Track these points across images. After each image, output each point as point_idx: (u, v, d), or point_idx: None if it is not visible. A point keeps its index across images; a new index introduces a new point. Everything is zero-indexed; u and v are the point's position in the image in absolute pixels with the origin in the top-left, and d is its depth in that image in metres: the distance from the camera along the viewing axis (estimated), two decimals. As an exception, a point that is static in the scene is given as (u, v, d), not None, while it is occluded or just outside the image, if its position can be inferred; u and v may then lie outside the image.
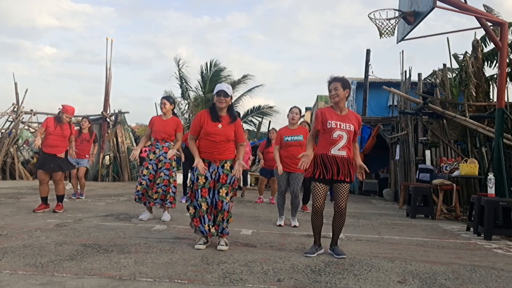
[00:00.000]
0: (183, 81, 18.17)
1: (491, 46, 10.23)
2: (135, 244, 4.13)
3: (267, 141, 9.10)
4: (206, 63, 18.46)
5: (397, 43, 7.66)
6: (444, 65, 10.70)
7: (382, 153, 13.42)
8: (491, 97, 10.16)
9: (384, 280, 3.22)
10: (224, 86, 4.20)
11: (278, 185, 5.94)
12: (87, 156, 8.29)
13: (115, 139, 15.54)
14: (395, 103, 13.25)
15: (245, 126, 18.33)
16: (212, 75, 18.12)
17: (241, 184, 10.27)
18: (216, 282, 2.99)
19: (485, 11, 8.29)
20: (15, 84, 15.43)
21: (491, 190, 6.02)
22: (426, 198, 7.82)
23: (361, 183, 14.40)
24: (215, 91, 4.24)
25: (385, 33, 7.19)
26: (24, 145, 15.38)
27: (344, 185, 3.94)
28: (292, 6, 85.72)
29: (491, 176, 6.11)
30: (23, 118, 15.38)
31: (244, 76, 18.74)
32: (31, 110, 15.69)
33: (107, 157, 15.41)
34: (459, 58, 11.16)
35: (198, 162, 4.08)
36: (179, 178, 8.12)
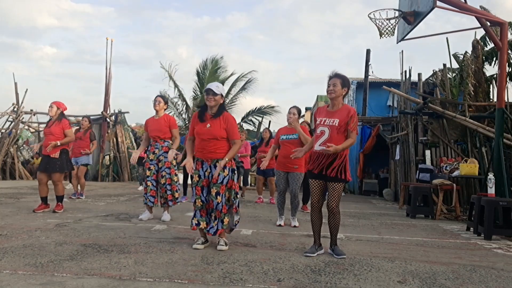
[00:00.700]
0: (175, 84, 18.14)
1: (491, 45, 10.24)
2: (135, 244, 4.14)
3: (261, 140, 9.18)
4: (203, 62, 18.45)
5: (397, 43, 7.66)
6: (444, 65, 10.70)
7: (382, 153, 13.41)
8: (491, 97, 10.17)
9: (384, 280, 3.22)
10: (213, 85, 4.21)
11: (277, 184, 5.96)
12: (82, 152, 8.21)
13: (115, 139, 15.53)
14: (395, 104, 13.24)
15: (245, 126, 18.32)
16: (209, 74, 18.10)
17: (241, 184, 10.27)
18: (216, 282, 2.99)
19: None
20: (15, 84, 15.44)
21: (491, 190, 6.02)
22: (426, 198, 7.82)
23: (361, 183, 14.41)
24: (204, 90, 4.29)
25: (385, 33, 7.19)
26: (24, 145, 15.39)
27: (335, 184, 3.92)
28: (292, 6, 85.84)
29: (491, 176, 6.11)
30: (23, 118, 15.37)
31: (243, 75, 18.72)
32: (31, 110, 15.68)
33: (107, 157, 15.40)
34: (459, 58, 11.17)
35: (187, 161, 4.15)
36: (179, 178, 8.13)
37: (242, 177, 9.37)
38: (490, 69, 10.70)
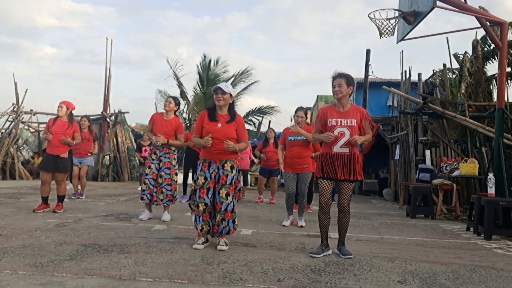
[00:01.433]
0: (180, 83, 18.21)
1: (491, 45, 10.23)
2: (135, 244, 4.13)
3: (265, 140, 9.11)
4: (201, 62, 18.50)
5: (397, 43, 7.66)
6: (444, 65, 10.70)
7: (382, 153, 13.41)
8: (493, 97, 10.16)
9: (384, 280, 3.22)
10: (222, 84, 4.25)
11: (286, 187, 5.88)
12: (89, 154, 8.35)
13: (115, 139, 15.52)
14: (395, 104, 13.23)
15: (245, 126, 18.33)
16: (210, 73, 18.12)
17: (241, 184, 10.26)
18: (216, 282, 2.99)
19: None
20: (15, 84, 15.43)
21: (491, 190, 6.02)
22: (426, 198, 7.82)
23: (361, 183, 14.41)
24: (212, 89, 4.30)
25: (385, 33, 7.19)
26: (24, 145, 15.38)
27: (348, 184, 3.94)
28: (292, 6, 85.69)
29: (491, 176, 6.11)
30: (23, 118, 15.36)
31: (243, 73, 18.74)
32: (31, 110, 15.67)
33: (107, 157, 15.40)
34: (460, 58, 11.17)
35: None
36: (179, 178, 8.13)
37: (242, 177, 9.37)
38: (491, 70, 10.71)
